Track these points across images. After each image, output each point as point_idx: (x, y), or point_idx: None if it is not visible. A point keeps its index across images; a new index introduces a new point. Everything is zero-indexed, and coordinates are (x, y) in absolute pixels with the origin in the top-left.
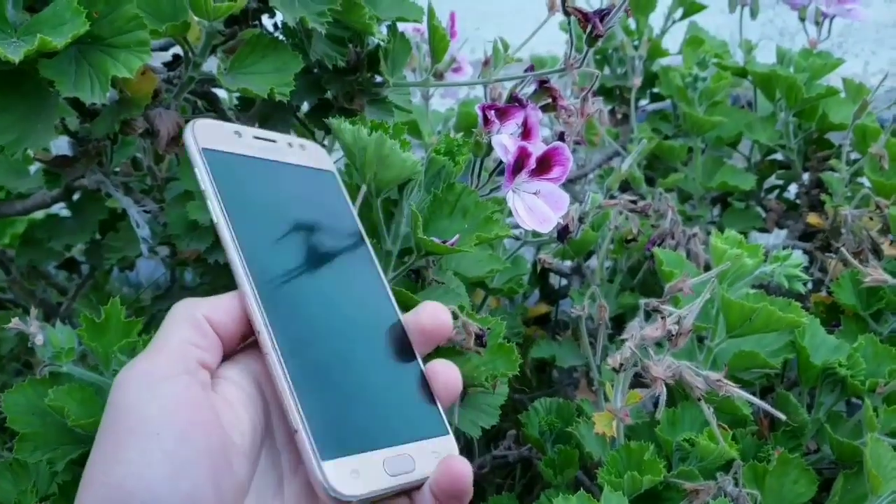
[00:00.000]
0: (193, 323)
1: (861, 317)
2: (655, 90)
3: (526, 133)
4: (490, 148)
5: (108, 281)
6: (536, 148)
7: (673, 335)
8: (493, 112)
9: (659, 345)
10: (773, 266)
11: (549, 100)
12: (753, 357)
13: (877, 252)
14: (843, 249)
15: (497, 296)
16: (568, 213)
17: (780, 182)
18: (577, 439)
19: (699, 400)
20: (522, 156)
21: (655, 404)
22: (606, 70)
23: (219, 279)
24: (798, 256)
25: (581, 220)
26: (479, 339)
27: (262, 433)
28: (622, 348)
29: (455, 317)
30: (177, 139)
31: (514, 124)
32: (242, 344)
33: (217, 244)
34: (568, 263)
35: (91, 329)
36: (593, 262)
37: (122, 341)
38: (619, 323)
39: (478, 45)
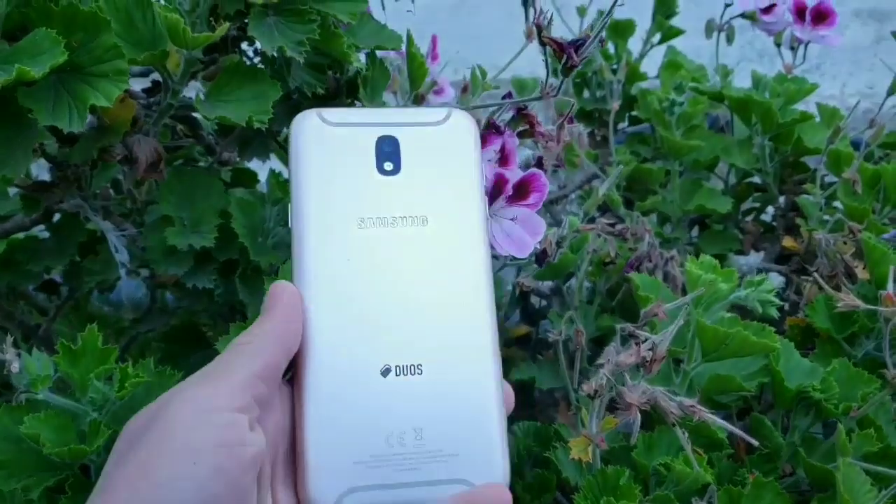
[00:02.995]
0: (269, 359)
1: (835, 340)
2: (634, 113)
3: (503, 160)
4: None
5: (89, 301)
6: (513, 174)
7: (647, 361)
8: None
9: (637, 367)
10: (747, 291)
11: (527, 126)
12: (729, 381)
13: (850, 276)
14: (816, 275)
15: None
16: (546, 237)
17: (757, 205)
18: (554, 464)
19: (674, 426)
20: (500, 182)
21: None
22: (586, 93)
23: (197, 303)
24: (772, 281)
25: (559, 244)
26: None
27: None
28: (597, 375)
29: None
30: (155, 165)
31: (491, 151)
32: None
33: (196, 269)
34: (548, 284)
35: (67, 356)
36: (573, 283)
37: (98, 368)
38: (598, 344)
39: (460, 66)
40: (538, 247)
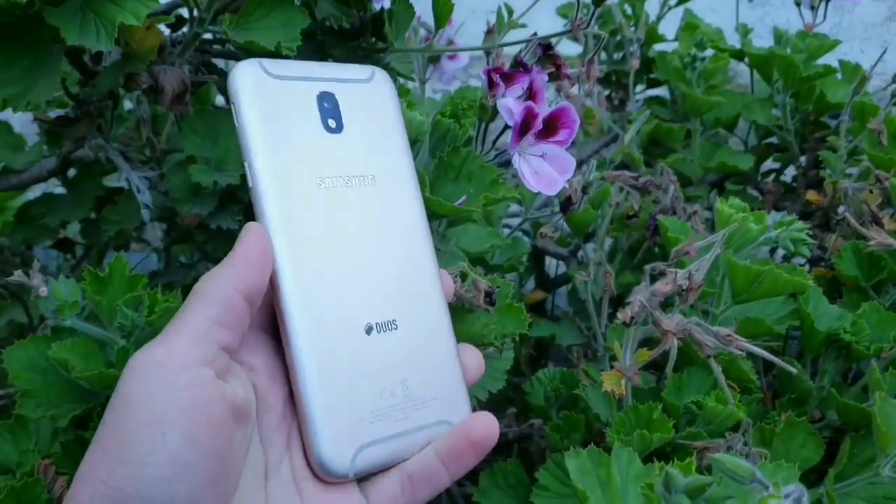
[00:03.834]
0: (223, 299)
1: (862, 288)
2: (653, 76)
3: (531, 97)
4: (495, 112)
5: (103, 262)
6: (542, 110)
7: (683, 290)
8: (498, 76)
9: (666, 306)
10: (777, 231)
11: (553, 68)
12: (759, 324)
13: (877, 225)
14: (847, 214)
15: (497, 273)
16: (571, 184)
17: (777, 165)
18: (583, 404)
19: (708, 358)
20: (529, 116)
21: (661, 367)
22: (603, 55)
23: (220, 248)
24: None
25: (584, 190)
26: (489, 297)
27: (255, 421)
28: (632, 303)
29: (465, 276)
30: (182, 97)
31: (518, 88)
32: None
33: (221, 209)
34: (560, 250)
35: (95, 283)
36: (590, 247)
37: (126, 295)
38: (619, 303)
39: (467, 39)
40: (566, 186)
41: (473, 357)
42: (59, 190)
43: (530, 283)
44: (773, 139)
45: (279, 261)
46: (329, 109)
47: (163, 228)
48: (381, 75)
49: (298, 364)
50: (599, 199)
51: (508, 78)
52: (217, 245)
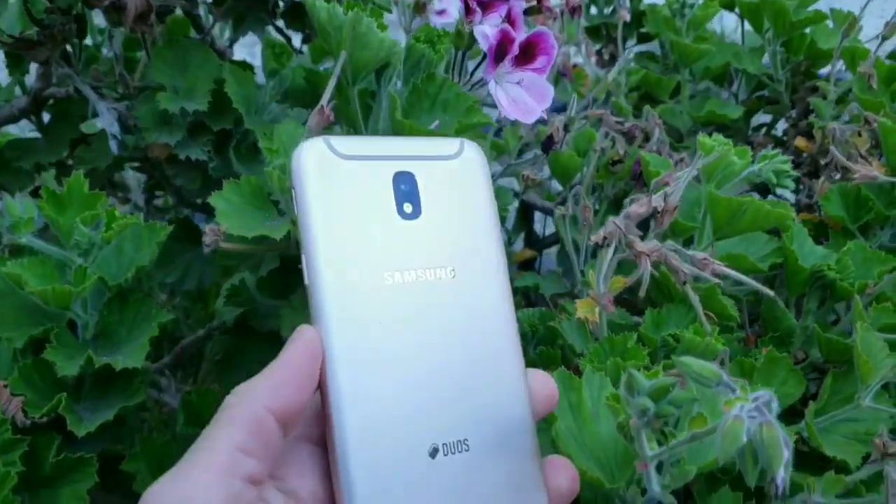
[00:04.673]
0: (251, 421)
1: (849, 230)
2: (643, 30)
3: (509, 24)
4: (472, 39)
5: None
6: (519, 35)
7: (659, 212)
8: (475, 2)
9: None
10: (760, 164)
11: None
12: (741, 261)
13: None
14: (834, 151)
15: None
16: (553, 122)
17: (768, 119)
18: (560, 340)
19: (684, 285)
20: (505, 40)
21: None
22: (593, 9)
23: (191, 181)
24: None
25: (566, 128)
26: None
27: None
28: (606, 224)
29: None
30: (145, 16)
31: (497, 17)
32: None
33: (189, 138)
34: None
35: (52, 201)
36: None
37: (85, 213)
38: None
39: None
40: (544, 116)
41: (544, 384)
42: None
43: (519, 244)
44: (764, 92)
45: (332, 368)
46: (406, 192)
47: (143, 181)
48: (471, 148)
49: (346, 493)
50: (584, 144)
51: (486, 6)
52: (187, 178)
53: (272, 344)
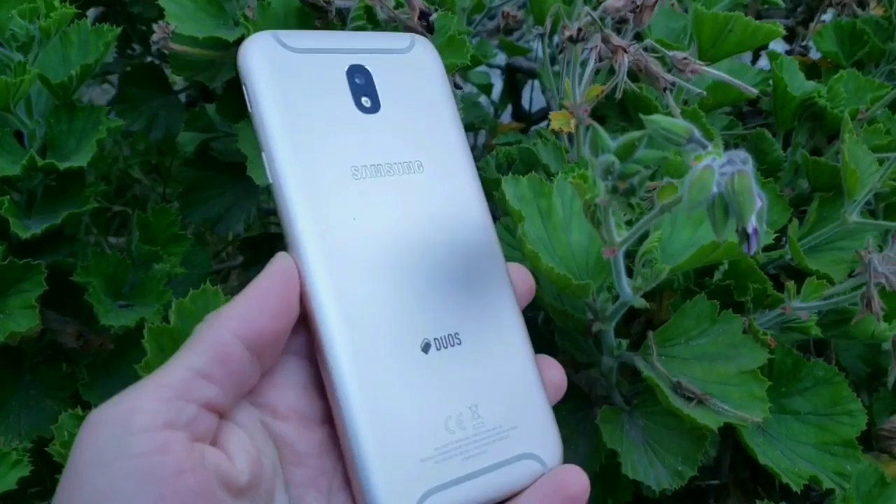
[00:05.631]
0: (213, 346)
1: (842, 67)
2: None
3: None
4: None
5: None
6: None
7: (638, 6)
8: None
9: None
10: None
11: None
12: (729, 89)
13: (862, 7)
14: None
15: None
16: None
17: None
18: (537, 163)
19: (665, 91)
20: None
21: None
22: None
23: (149, 7)
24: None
25: None
26: (425, 19)
27: (273, 486)
28: (579, 14)
29: (399, 4)
30: None
31: None
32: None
33: None
34: (533, 65)
35: None
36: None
37: (22, 5)
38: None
39: None
40: None
41: (555, 372)
42: None
43: (506, 117)
44: None
45: (310, 272)
46: (362, 86)
47: None
48: (422, 44)
49: (341, 394)
50: None
51: None
52: (145, 4)
53: (235, 175)
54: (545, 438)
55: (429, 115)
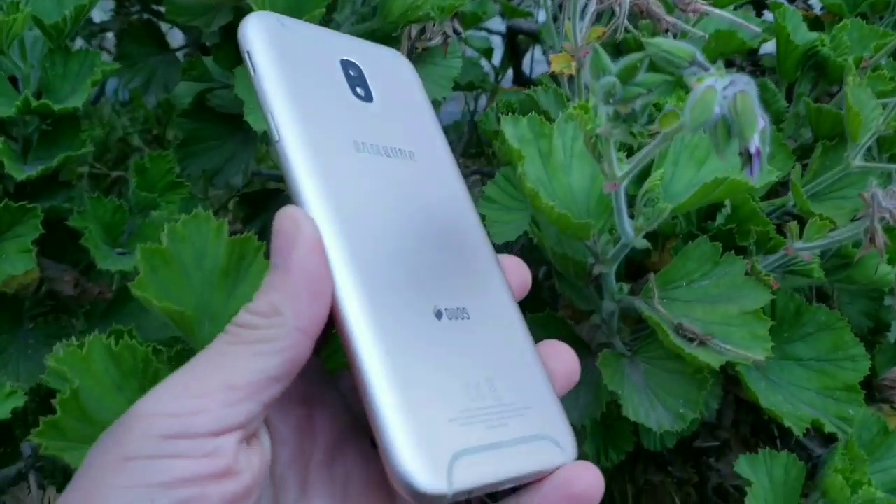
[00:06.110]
0: (291, 350)
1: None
2: None
3: None
4: None
5: None
6: None
7: None
8: None
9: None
10: None
11: None
12: (731, 37)
13: None
14: None
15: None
16: None
17: None
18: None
19: (665, 33)
20: None
21: None
22: None
23: None
24: None
25: None
26: None
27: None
28: None
29: None
30: None
31: None
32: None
33: None
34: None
35: None
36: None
37: None
38: None
39: None
40: None
41: (567, 359)
42: None
43: (507, 83)
44: None
45: (324, 230)
46: (355, 77)
47: None
48: (401, 58)
49: (365, 352)
50: None
51: None
52: None
53: (233, 126)
54: (559, 426)
55: (414, 115)
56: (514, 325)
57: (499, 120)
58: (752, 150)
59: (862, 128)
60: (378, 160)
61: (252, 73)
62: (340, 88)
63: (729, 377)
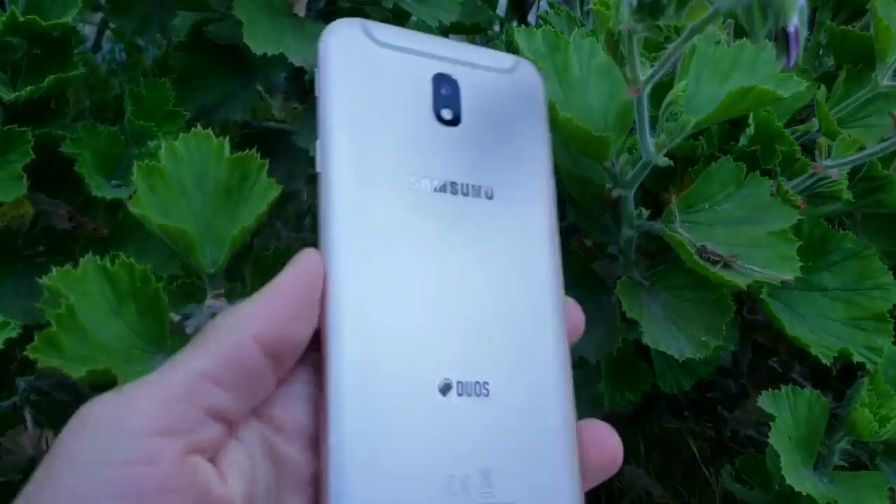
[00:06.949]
0: (228, 347)
1: None
2: None
3: None
4: None
5: None
6: None
7: None
8: None
9: None
10: None
11: None
12: None
13: None
14: None
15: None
16: None
17: None
18: None
19: None
20: None
21: None
22: None
23: None
24: None
25: None
26: None
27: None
28: None
29: None
30: None
31: None
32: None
33: None
34: None
35: None
36: None
37: None
38: None
39: None
40: None
41: (610, 446)
42: None
43: None
44: None
45: (336, 277)
46: (446, 97)
47: None
48: (527, 67)
49: (326, 413)
50: None
51: None
52: None
53: (232, 60)
54: None
55: (516, 144)
56: (550, 404)
57: (509, 46)
58: (791, 29)
59: (892, 44)
60: (436, 199)
61: (315, 90)
62: (420, 111)
63: (746, 321)
